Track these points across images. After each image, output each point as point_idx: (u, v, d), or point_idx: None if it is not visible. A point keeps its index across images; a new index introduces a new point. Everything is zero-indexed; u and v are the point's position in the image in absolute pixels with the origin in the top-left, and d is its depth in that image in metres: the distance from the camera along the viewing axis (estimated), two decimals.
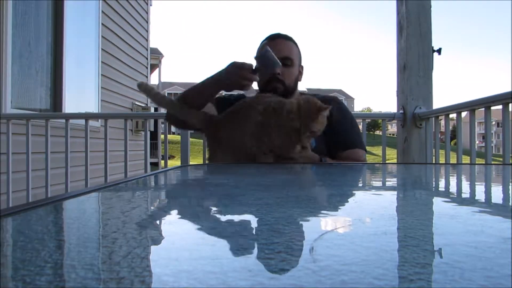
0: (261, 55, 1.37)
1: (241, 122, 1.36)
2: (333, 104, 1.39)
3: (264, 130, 1.31)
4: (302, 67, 1.67)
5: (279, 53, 1.51)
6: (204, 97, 1.49)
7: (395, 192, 0.69)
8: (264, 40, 1.63)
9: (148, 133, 3.26)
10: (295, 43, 1.64)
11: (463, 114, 2.25)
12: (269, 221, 0.37)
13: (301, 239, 0.32)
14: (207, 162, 1.61)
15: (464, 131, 2.18)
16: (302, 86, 1.81)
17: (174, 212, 0.49)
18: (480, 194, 0.66)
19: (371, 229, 0.35)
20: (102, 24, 4.71)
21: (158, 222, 0.44)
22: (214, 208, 0.52)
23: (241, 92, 1.54)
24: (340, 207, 0.52)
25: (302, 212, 0.43)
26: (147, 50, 6.64)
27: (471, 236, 0.33)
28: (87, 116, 2.91)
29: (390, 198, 0.61)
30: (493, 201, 0.58)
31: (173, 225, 0.41)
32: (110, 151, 2.74)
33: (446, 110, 2.27)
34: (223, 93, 1.53)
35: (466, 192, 0.71)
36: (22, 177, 2.69)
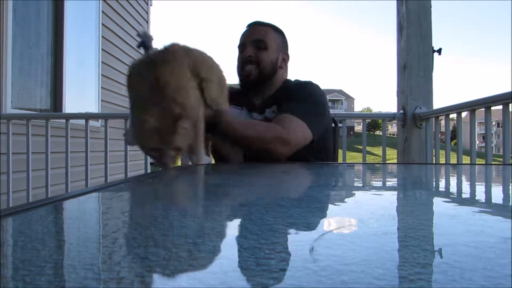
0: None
1: None
2: (298, 82, 1.49)
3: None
4: (287, 55, 1.66)
5: (252, 36, 1.60)
6: None
7: (396, 192, 0.69)
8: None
9: None
10: (276, 29, 1.63)
11: (463, 114, 2.25)
12: (269, 221, 0.37)
13: (301, 239, 0.32)
14: None
15: (464, 131, 2.18)
16: None
17: (174, 212, 0.49)
18: (480, 194, 0.66)
19: (371, 229, 0.35)
20: (102, 24, 4.71)
21: (157, 222, 0.44)
22: (214, 208, 0.52)
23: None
24: (340, 207, 0.52)
25: (302, 212, 0.43)
26: None
27: (471, 236, 0.33)
28: (87, 116, 2.91)
29: (390, 198, 0.61)
30: (493, 201, 0.58)
31: (173, 225, 0.41)
32: (110, 151, 2.74)
33: (446, 110, 2.27)
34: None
35: (466, 192, 0.71)
36: (22, 177, 2.69)
